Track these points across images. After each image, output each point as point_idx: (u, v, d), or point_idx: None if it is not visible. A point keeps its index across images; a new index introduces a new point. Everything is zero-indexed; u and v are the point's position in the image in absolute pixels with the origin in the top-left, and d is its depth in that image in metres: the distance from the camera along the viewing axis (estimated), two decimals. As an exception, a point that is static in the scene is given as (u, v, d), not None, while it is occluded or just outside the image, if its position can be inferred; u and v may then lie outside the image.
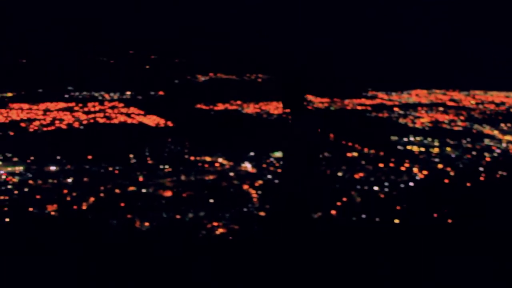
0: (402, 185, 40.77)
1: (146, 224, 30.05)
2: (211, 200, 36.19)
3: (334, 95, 72.21)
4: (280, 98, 5.22)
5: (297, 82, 5.29)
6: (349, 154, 48.90)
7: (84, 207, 35.29)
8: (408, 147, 54.13)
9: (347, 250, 8.43)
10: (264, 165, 44.95)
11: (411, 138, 57.72)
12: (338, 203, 35.94)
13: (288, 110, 5.22)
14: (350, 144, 51.76)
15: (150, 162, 46.22)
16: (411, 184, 41.44)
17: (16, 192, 38.52)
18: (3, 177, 41.80)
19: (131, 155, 46.98)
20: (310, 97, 69.13)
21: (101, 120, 61.30)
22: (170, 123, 60.15)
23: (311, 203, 6.23)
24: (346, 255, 8.16)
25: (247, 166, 45.05)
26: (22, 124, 58.28)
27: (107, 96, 69.68)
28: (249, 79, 77.74)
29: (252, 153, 47.39)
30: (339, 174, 43.24)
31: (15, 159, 45.84)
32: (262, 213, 33.93)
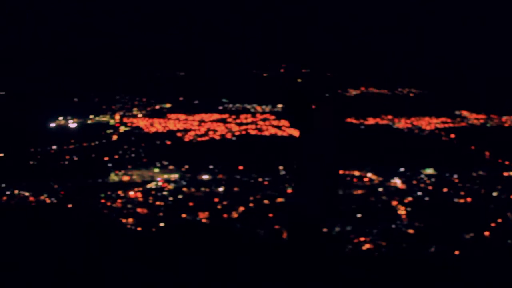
0: None
1: (293, 236, 30.20)
2: (359, 215, 35.82)
3: (491, 111, 69.21)
4: (287, 117, 4.95)
5: (301, 97, 5.01)
6: (505, 174, 46.60)
7: (234, 216, 36.18)
8: None
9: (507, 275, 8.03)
10: (415, 182, 43.86)
11: None
12: (493, 224, 34.35)
13: (295, 128, 4.91)
14: (507, 162, 49.30)
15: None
16: None
17: (170, 198, 40.23)
18: (160, 184, 43.79)
19: (281, 167, 47.48)
20: (464, 113, 66.70)
21: (252, 132, 62.47)
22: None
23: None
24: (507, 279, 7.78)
25: (397, 182, 44.15)
26: (179, 134, 60.65)
27: (259, 109, 70.93)
28: (401, 93, 76.24)
29: (402, 169, 46.37)
30: (494, 194, 41.33)
31: (171, 167, 47.84)
32: (410, 231, 33.12)
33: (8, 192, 39.71)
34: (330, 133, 4.41)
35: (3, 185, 40.77)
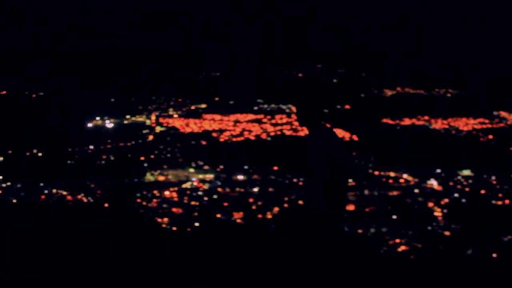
0: None
1: (328, 236, 30.11)
2: (394, 216, 35.56)
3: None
4: (296, 116, 4.83)
5: (311, 96, 4.86)
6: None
7: (268, 216, 36.20)
8: None
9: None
10: (451, 183, 43.37)
11: None
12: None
13: (305, 128, 4.79)
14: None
15: (333, 175, 46.26)
16: None
17: (206, 198, 40.43)
18: (195, 184, 44.03)
19: (315, 168, 47.27)
20: (502, 113, 65.63)
21: (287, 132, 62.47)
22: (355, 137, 59.94)
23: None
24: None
25: (433, 183, 43.71)
26: (214, 134, 60.93)
27: (294, 109, 70.92)
28: (438, 94, 75.44)
29: (438, 170, 45.87)
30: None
31: (206, 167, 48.08)
32: (447, 233, 32.76)
33: (46, 191, 40.32)
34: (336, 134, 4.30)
35: (42, 184, 41.41)
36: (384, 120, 68.18)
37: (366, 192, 41.32)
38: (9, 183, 42.07)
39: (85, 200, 38.82)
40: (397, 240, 31.29)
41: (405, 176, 45.45)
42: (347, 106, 72.92)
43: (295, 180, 44.44)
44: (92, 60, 79.00)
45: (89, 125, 59.81)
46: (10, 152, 50.01)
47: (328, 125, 4.61)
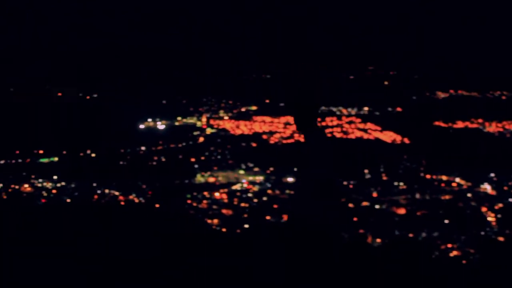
0: None
1: (378, 240, 29.88)
2: (446, 221, 35.03)
3: None
4: (293, 118, 4.63)
5: (311, 99, 4.68)
6: None
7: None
8: None
9: None
10: (506, 188, 42.45)
11: None
12: None
13: (300, 131, 4.62)
14: None
15: (384, 178, 45.92)
16: None
17: (255, 200, 40.51)
18: (245, 185, 44.18)
19: (366, 171, 47.04)
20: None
21: (338, 135, 62.18)
22: (406, 140, 59.26)
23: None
24: None
25: (487, 187, 42.88)
26: (264, 136, 61.04)
27: (344, 111, 70.53)
28: (492, 96, 73.99)
29: (492, 174, 44.97)
30: None
31: (256, 169, 48.19)
32: (501, 238, 32.09)
33: (99, 191, 41.02)
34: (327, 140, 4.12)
35: (94, 184, 42.13)
36: (436, 123, 67.22)
37: (417, 196, 40.84)
38: (63, 183, 42.95)
39: (136, 200, 39.35)
40: (449, 245, 30.80)
41: (457, 180, 44.72)
42: (399, 109, 72.19)
43: (345, 183, 44.16)
44: (140, 60, 79.93)
45: (141, 126, 60.61)
46: (64, 152, 51.06)
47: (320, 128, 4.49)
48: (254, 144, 57.91)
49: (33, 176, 44.29)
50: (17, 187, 41.79)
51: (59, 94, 68.07)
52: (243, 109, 70.62)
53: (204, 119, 65.85)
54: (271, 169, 47.46)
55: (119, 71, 75.11)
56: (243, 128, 64.13)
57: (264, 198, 40.80)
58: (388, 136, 60.95)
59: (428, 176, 45.82)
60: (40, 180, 43.39)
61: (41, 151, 50.78)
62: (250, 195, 41.67)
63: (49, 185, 42.66)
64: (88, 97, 70.23)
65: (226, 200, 40.66)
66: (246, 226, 33.90)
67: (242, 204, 39.29)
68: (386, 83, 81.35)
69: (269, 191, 42.51)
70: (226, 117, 68.05)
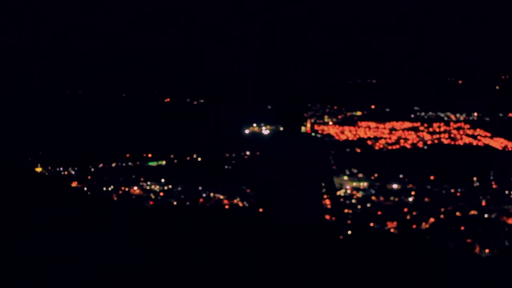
0: None
1: (486, 250, 28.84)
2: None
3: None
4: (278, 120, 4.28)
5: (299, 102, 4.35)
6: None
7: (423, 227, 35.25)
8: None
9: None
10: None
11: None
12: None
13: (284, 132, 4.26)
14: None
15: (494, 186, 44.36)
16: None
17: (359, 207, 40.10)
18: (348, 191, 43.85)
19: (475, 178, 45.59)
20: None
21: (445, 141, 60.70)
22: (518, 147, 57.07)
23: None
24: None
25: None
26: (369, 142, 60.42)
27: (453, 117, 68.80)
28: None
29: None
30: None
31: (360, 175, 47.73)
32: None
33: (204, 195, 41.82)
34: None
35: (200, 188, 43.00)
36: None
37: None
38: (170, 186, 44.12)
39: (240, 204, 39.79)
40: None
41: None
42: (510, 114, 69.56)
43: (452, 190, 43.02)
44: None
45: (246, 131, 61.38)
46: (172, 156, 52.48)
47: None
48: (358, 150, 57.49)
49: (142, 179, 45.78)
50: (127, 189, 43.31)
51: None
52: (348, 114, 70.32)
53: (308, 124, 65.94)
54: (376, 175, 46.95)
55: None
56: (347, 133, 63.79)
57: (368, 205, 40.36)
58: (498, 143, 58.88)
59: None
60: (149, 183, 44.79)
61: (150, 155, 52.45)
62: (354, 201, 41.33)
63: (156, 187, 43.96)
64: (195, 102, 71.95)
65: (329, 206, 40.51)
66: (349, 232, 33.63)
67: (346, 211, 38.97)
68: (497, 87, 78.74)
69: (374, 198, 42.04)
70: (330, 123, 67.90)
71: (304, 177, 4.28)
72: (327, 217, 4.52)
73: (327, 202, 4.55)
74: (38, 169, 42.53)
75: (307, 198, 4.30)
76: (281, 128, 4.32)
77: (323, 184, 4.46)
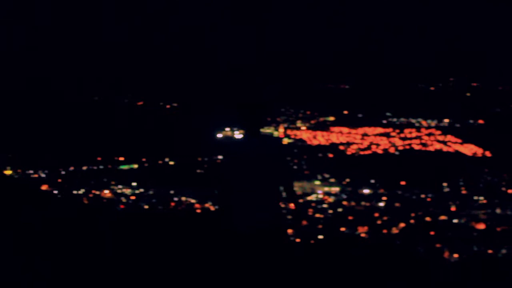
0: None
1: (455, 255, 29.14)
2: (528, 238, 33.85)
3: None
4: (238, 121, 4.27)
5: (260, 103, 4.34)
6: None
7: (394, 232, 35.53)
8: None
9: None
10: None
11: None
12: None
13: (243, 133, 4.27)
14: None
15: (464, 192, 44.85)
16: None
17: (330, 211, 40.25)
18: (320, 196, 43.97)
19: (445, 184, 46.07)
20: None
21: (416, 147, 61.17)
22: (488, 153, 57.70)
23: None
24: None
25: None
26: (341, 147, 60.67)
27: (424, 123, 69.42)
28: None
29: None
30: None
31: (332, 180, 47.91)
32: None
33: (176, 199, 41.64)
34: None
35: (172, 192, 42.82)
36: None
37: (498, 211, 39.68)
38: (142, 190, 43.88)
39: (212, 208, 39.69)
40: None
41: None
42: (481, 121, 70.41)
43: (422, 196, 43.39)
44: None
45: (219, 135, 61.27)
46: (143, 160, 52.18)
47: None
48: (330, 155, 57.66)
49: (113, 182, 45.46)
50: (97, 192, 42.96)
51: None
52: (321, 120, 70.55)
53: (281, 129, 66.10)
54: (347, 180, 47.16)
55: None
56: (320, 138, 63.96)
57: (339, 210, 40.53)
58: (468, 149, 59.51)
59: (510, 191, 44.44)
60: (120, 186, 44.48)
61: (121, 158, 52.09)
62: (325, 206, 41.46)
63: (128, 191, 43.69)
64: (168, 106, 71.65)
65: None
66: (321, 237, 33.70)
67: (317, 215, 39.11)
68: (468, 94, 79.66)
69: (345, 203, 42.22)
70: (303, 128, 68.06)
71: (262, 181, 4.28)
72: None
73: (291, 206, 4.55)
74: (8, 172, 42.01)
75: (265, 203, 4.30)
76: (242, 132, 4.31)
77: (281, 188, 4.45)
